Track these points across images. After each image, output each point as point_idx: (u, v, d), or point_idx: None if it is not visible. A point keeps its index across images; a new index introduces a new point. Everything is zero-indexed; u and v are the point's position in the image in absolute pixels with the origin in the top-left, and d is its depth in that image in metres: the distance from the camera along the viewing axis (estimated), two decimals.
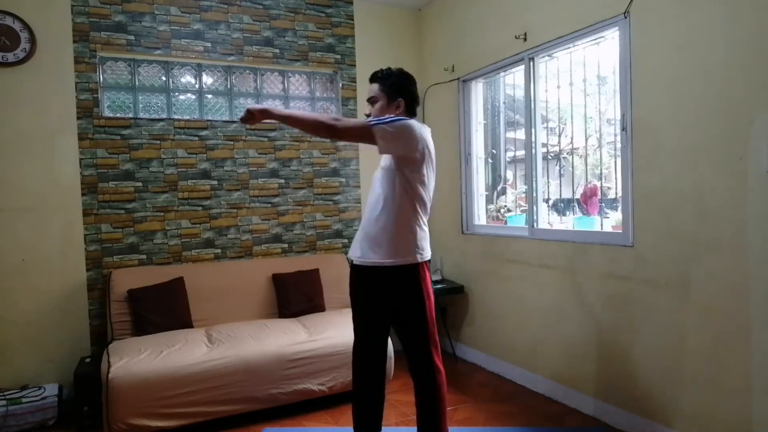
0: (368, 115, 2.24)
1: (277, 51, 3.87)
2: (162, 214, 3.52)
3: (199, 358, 2.77)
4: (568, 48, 3.07)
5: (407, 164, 2.09)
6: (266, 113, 2.11)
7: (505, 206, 3.78)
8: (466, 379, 3.54)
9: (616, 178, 2.84)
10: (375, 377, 2.30)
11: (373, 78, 2.26)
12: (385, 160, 2.18)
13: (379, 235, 2.11)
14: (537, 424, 2.84)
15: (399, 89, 2.22)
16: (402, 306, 2.14)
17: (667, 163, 2.44)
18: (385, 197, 2.12)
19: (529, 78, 3.30)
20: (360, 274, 2.22)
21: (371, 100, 2.26)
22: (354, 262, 2.24)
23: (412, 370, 2.19)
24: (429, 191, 2.18)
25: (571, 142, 3.21)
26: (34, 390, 2.96)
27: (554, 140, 3.35)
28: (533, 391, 3.27)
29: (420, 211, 2.14)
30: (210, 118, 3.73)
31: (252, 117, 2.10)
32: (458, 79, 3.92)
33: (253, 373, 2.82)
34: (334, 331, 3.14)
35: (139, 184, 3.45)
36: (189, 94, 3.72)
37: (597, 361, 2.86)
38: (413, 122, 2.12)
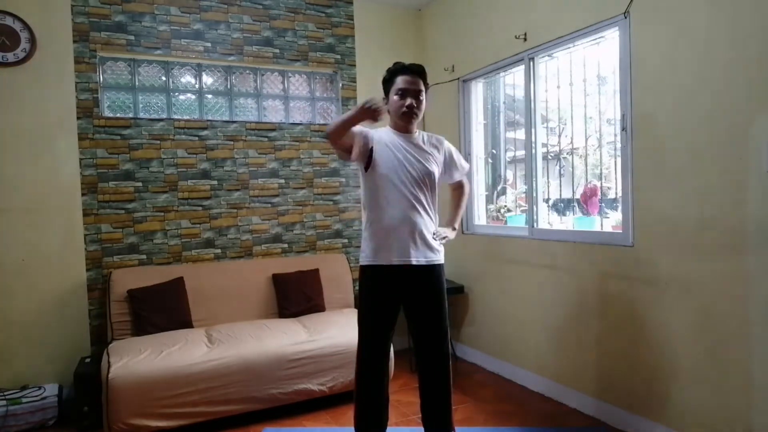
0: (411, 107, 2.19)
1: (277, 51, 3.87)
2: (162, 214, 3.52)
3: (199, 358, 2.77)
4: (568, 48, 3.07)
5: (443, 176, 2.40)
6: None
7: (505, 206, 3.78)
8: (466, 379, 3.54)
9: (616, 178, 2.84)
10: (383, 378, 2.32)
11: (419, 72, 2.24)
12: (424, 163, 2.24)
13: (425, 235, 2.23)
14: (537, 424, 2.84)
15: (428, 88, 2.32)
16: (434, 302, 2.25)
17: (667, 163, 2.44)
18: (426, 199, 2.25)
19: (529, 78, 3.30)
20: (393, 275, 2.21)
21: (417, 95, 2.22)
22: (387, 263, 2.20)
23: (429, 362, 2.27)
24: None
25: (571, 142, 3.21)
26: (34, 390, 2.96)
27: (554, 140, 3.35)
28: (533, 391, 3.27)
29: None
30: (210, 118, 3.73)
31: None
32: (458, 79, 3.92)
33: (253, 373, 2.83)
34: (334, 331, 3.15)
35: (139, 184, 3.45)
36: (189, 94, 3.72)
37: (597, 361, 2.86)
38: None
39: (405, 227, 2.18)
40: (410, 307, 2.28)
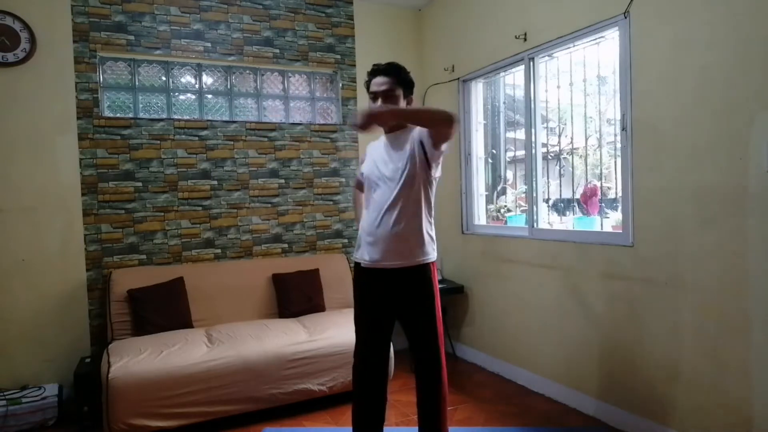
0: None
1: (277, 51, 3.87)
2: (162, 214, 3.52)
3: (199, 358, 2.77)
4: (568, 48, 3.07)
5: (433, 165, 2.14)
6: (394, 114, 2.05)
7: (505, 206, 3.78)
8: (466, 379, 3.54)
9: (616, 178, 2.84)
10: (378, 378, 2.30)
11: (387, 71, 2.17)
12: (399, 161, 2.13)
13: (401, 238, 2.12)
14: (537, 424, 2.84)
15: (410, 85, 2.24)
16: (415, 304, 2.18)
17: (667, 163, 2.44)
18: (404, 200, 2.11)
19: (529, 78, 3.30)
20: (372, 276, 2.20)
21: (386, 93, 2.14)
22: (367, 266, 2.20)
23: (417, 367, 2.23)
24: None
25: (571, 142, 3.21)
26: (34, 390, 2.96)
27: (554, 140, 3.36)
28: (533, 391, 3.27)
29: (431, 212, 2.22)
30: (210, 118, 3.73)
31: (373, 120, 1.97)
32: (458, 79, 3.92)
33: (253, 373, 2.83)
34: (334, 331, 3.14)
35: (139, 184, 3.45)
36: (189, 94, 3.72)
37: (597, 361, 2.86)
38: None
39: (378, 229, 2.14)
40: (397, 308, 2.24)
